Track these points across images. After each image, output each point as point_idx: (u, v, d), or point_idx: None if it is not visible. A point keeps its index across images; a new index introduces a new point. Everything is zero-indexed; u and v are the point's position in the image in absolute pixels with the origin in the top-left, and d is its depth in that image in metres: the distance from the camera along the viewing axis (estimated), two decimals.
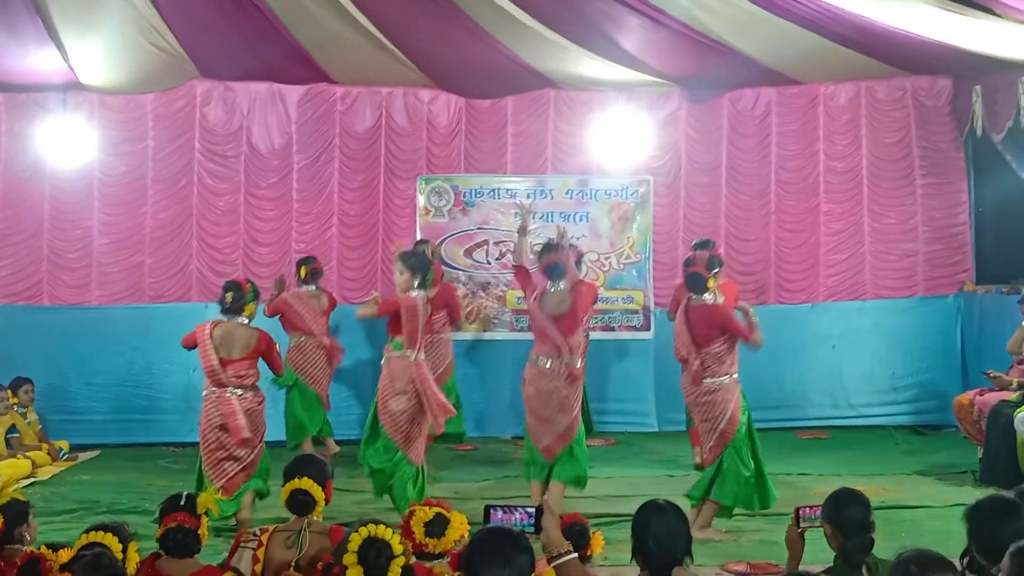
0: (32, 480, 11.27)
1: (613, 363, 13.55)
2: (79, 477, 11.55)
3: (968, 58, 12.13)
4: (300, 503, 5.85)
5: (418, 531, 5.51)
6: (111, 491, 10.70)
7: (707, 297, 9.07)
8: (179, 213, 13.51)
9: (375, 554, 4.51)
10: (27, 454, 11.72)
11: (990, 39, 11.31)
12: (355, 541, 4.55)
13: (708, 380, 8.92)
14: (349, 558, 4.50)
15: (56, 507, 10.02)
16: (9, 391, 12.11)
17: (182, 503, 5.54)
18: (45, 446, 12.20)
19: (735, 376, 9.01)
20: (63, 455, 12.31)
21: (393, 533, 4.61)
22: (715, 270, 9.26)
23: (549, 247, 9.66)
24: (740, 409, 8.94)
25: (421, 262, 9.51)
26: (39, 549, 5.23)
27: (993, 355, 12.20)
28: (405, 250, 9.84)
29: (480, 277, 13.38)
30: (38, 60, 12.29)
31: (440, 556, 5.57)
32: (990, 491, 9.62)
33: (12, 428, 11.96)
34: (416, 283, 9.32)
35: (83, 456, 12.49)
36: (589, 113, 13.81)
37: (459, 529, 5.57)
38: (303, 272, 12.04)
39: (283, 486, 5.91)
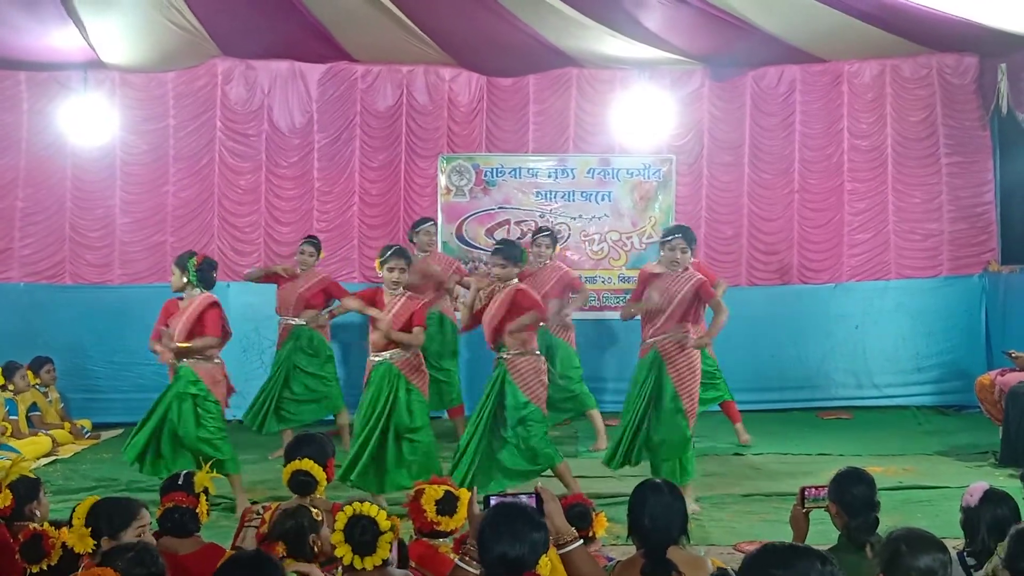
0: (54, 458, 11.36)
1: (634, 342, 13.44)
2: (100, 455, 11.61)
3: (994, 36, 12.03)
4: (301, 483, 5.90)
5: (429, 509, 5.49)
6: (131, 470, 10.58)
7: None
8: (200, 192, 13.52)
9: (360, 531, 4.54)
10: (48, 432, 11.80)
11: (1017, 17, 11.19)
12: (341, 520, 4.59)
13: None
14: (336, 536, 4.53)
15: (75, 485, 10.10)
16: (30, 371, 12.16)
17: (180, 483, 5.55)
18: (67, 424, 12.27)
19: None
20: (86, 434, 12.39)
21: (379, 511, 4.61)
22: None
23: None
24: None
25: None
26: (43, 526, 5.25)
27: (1018, 335, 12.14)
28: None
29: None
30: (58, 38, 12.30)
31: (449, 535, 5.54)
32: (1008, 471, 9.65)
33: (33, 406, 12.04)
34: None
35: (106, 435, 12.54)
36: (611, 92, 13.71)
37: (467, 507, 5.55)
38: (322, 253, 12.00)
39: (283, 467, 5.93)
